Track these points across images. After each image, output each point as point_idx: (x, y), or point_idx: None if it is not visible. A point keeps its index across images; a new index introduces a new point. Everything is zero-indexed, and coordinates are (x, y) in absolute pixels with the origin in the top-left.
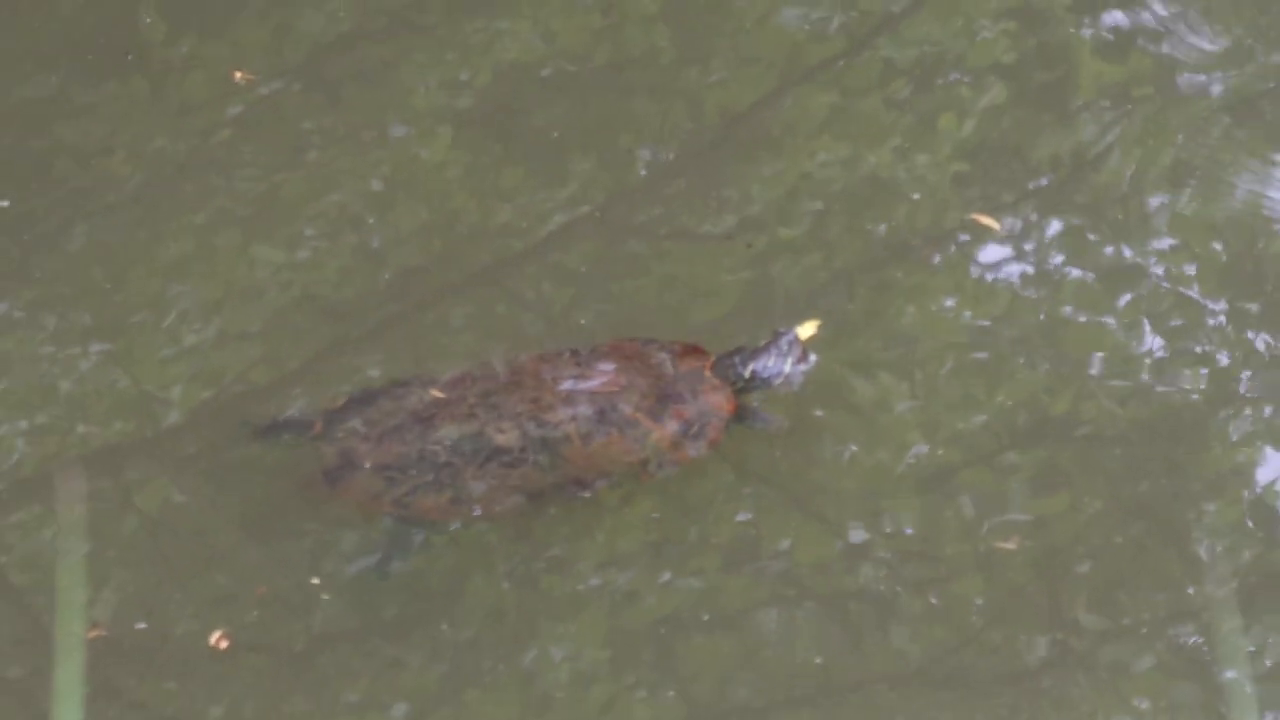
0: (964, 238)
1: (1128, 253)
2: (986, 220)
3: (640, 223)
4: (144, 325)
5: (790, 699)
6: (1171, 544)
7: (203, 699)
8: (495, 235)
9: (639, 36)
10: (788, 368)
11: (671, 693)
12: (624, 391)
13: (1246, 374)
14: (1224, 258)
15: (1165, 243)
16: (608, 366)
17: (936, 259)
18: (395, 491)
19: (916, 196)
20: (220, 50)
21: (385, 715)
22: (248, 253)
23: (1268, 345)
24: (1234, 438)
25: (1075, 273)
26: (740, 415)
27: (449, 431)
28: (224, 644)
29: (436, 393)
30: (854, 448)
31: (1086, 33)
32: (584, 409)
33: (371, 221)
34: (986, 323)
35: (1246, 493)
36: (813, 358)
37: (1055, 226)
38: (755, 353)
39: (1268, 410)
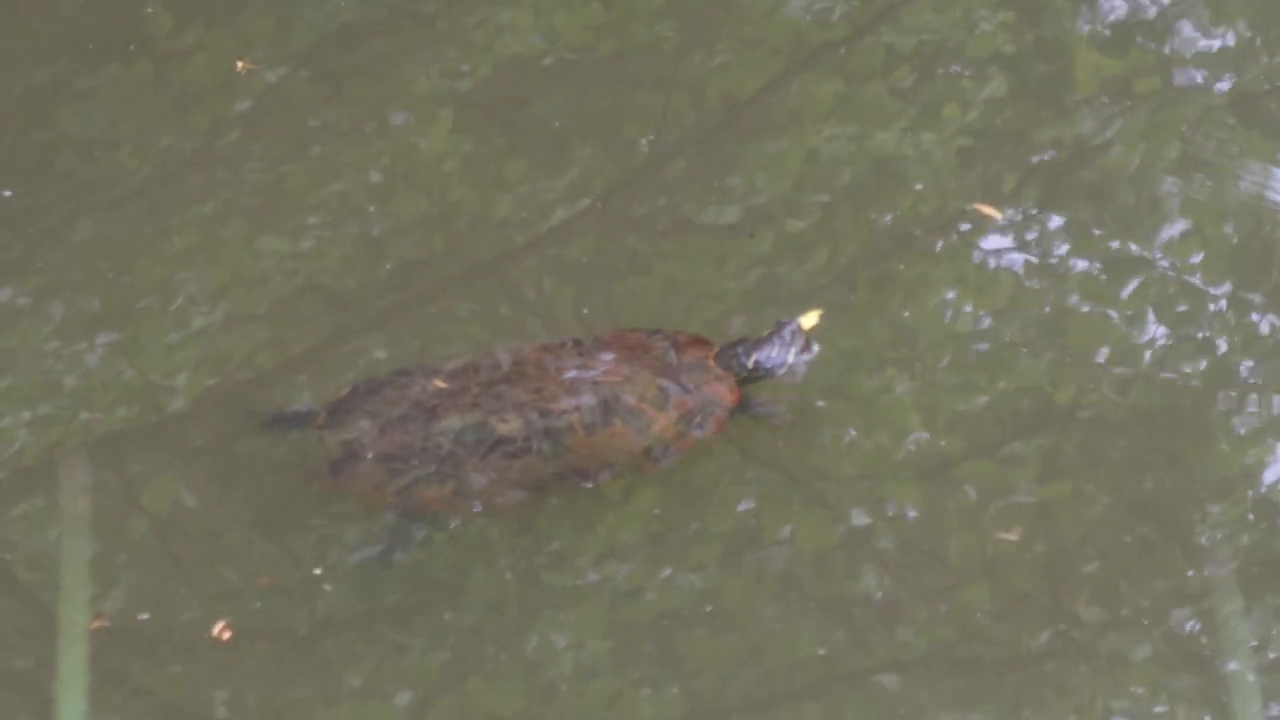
0: (966, 227)
1: (1132, 242)
2: (989, 210)
3: (642, 214)
4: (150, 311)
5: (793, 691)
6: (1175, 539)
7: (206, 685)
8: (496, 228)
9: (642, 28)
10: (791, 358)
11: (675, 689)
12: (628, 381)
13: (1249, 362)
14: (1229, 245)
15: (1170, 231)
16: (611, 357)
17: (939, 246)
18: (399, 482)
19: (920, 186)
20: (224, 41)
21: (389, 703)
22: (253, 244)
23: (1273, 329)
24: (1239, 430)
25: (1080, 263)
26: (743, 405)
27: (452, 421)
28: (226, 634)
29: (440, 383)
30: (856, 436)
31: (1085, 26)
32: (588, 399)
33: (373, 210)
34: (990, 313)
35: (1250, 491)
36: (816, 348)
37: (1058, 216)
38: (758, 343)
39: (1273, 399)
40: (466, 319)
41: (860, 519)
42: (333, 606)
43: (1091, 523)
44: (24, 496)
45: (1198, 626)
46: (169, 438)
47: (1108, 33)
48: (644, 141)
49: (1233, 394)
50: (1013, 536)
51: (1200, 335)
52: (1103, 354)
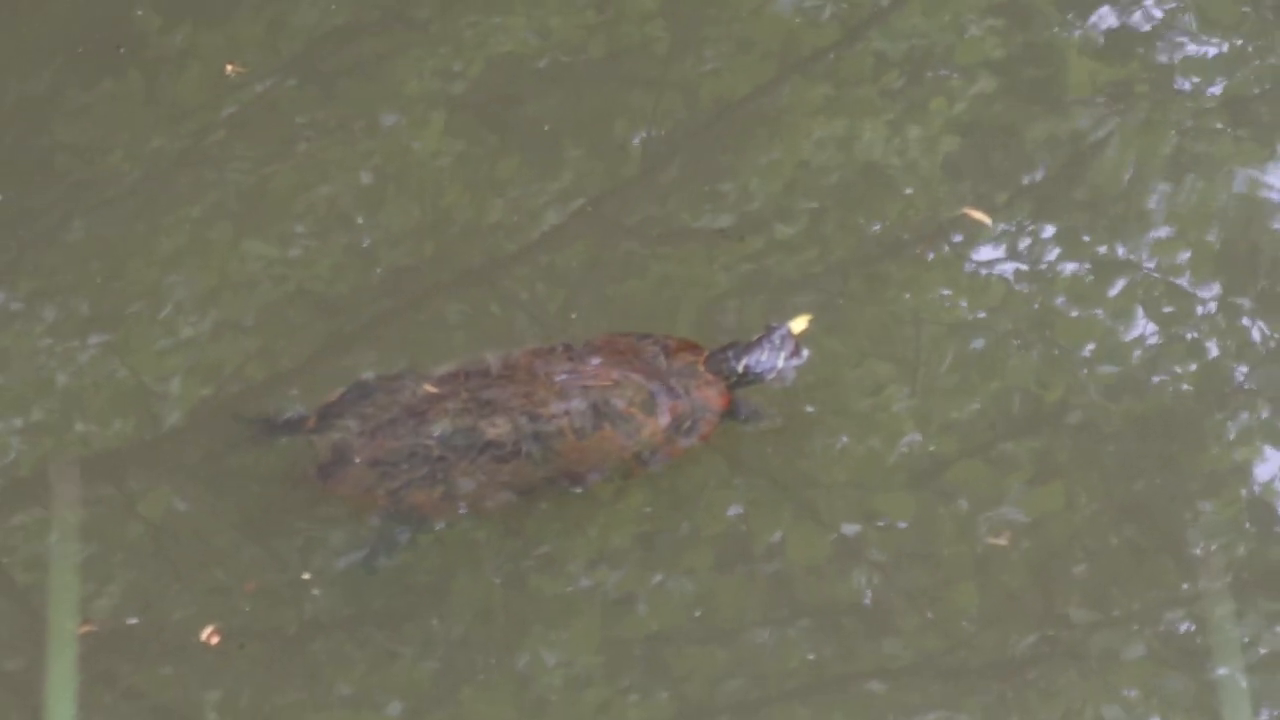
0: (957, 236)
1: (1120, 245)
2: (978, 215)
3: (634, 219)
4: (141, 316)
5: (782, 694)
6: (1166, 542)
7: (197, 688)
8: (488, 231)
9: (633, 29)
10: (780, 362)
11: (665, 694)
12: (617, 386)
13: (1242, 367)
14: (1218, 248)
15: (1159, 235)
16: (601, 361)
17: (930, 256)
18: (388, 485)
19: (910, 191)
20: (215, 44)
21: (380, 713)
22: (239, 247)
23: (1263, 336)
24: (1230, 434)
25: (1069, 265)
26: (733, 410)
27: (442, 426)
28: (215, 639)
29: (430, 387)
30: (846, 441)
31: (1075, 32)
32: (577, 403)
33: (361, 221)
34: (980, 315)
35: (1243, 492)
36: (805, 352)
37: (1047, 221)
38: (748, 347)
39: (1262, 405)
40: (456, 325)
41: (850, 528)
42: (320, 610)
43: (1082, 526)
44: (21, 506)
45: (1189, 629)
46: (165, 453)
47: (1100, 39)
48: (636, 144)
49: (1224, 398)
50: (1003, 541)
51: (1190, 337)
52: (1090, 352)
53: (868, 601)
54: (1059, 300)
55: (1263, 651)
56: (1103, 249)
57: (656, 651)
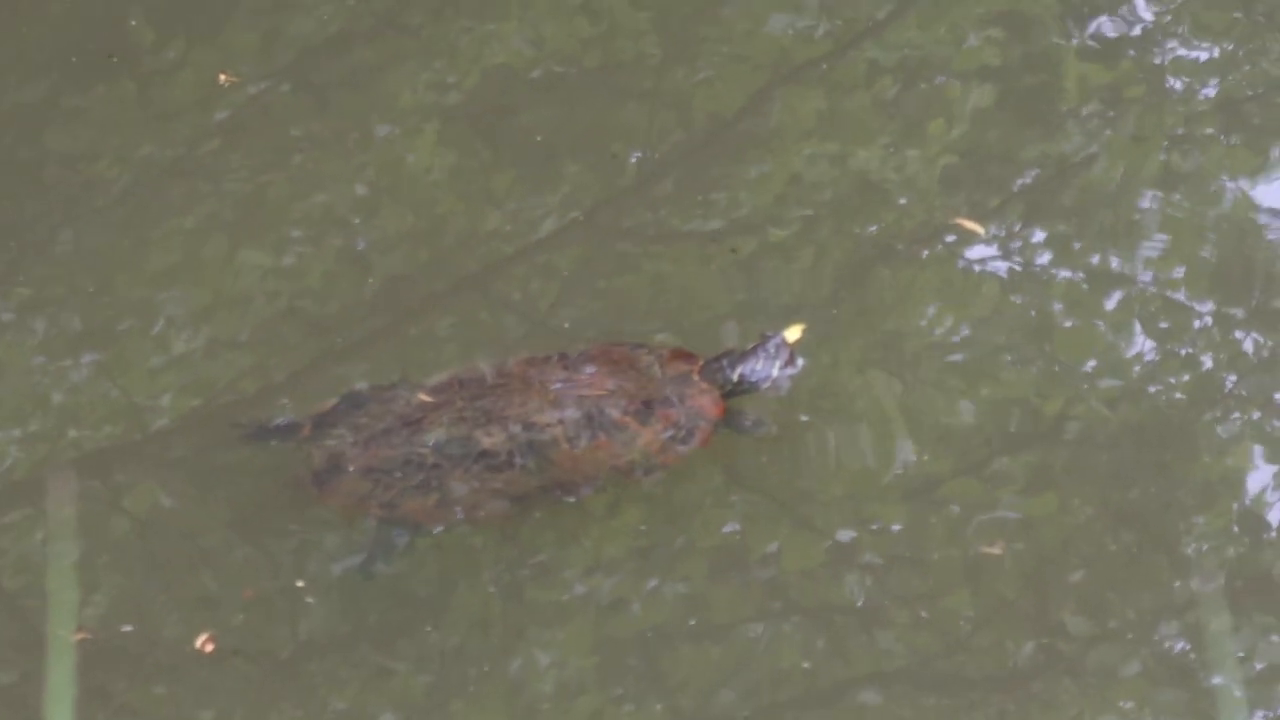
0: (950, 239)
1: (1115, 257)
2: (971, 224)
3: (628, 228)
4: (132, 333)
5: (776, 704)
6: (1161, 551)
7: (191, 705)
8: (483, 241)
9: (627, 42)
10: (775, 371)
11: (659, 705)
12: (612, 395)
13: (1234, 377)
14: (1212, 261)
15: (1153, 246)
16: (595, 370)
17: (925, 256)
18: (382, 494)
19: (904, 201)
20: (208, 54)
21: None
22: (234, 260)
23: (1256, 347)
24: (1224, 444)
25: (1063, 274)
26: (728, 419)
27: (436, 435)
28: (209, 647)
29: (424, 396)
30: (841, 451)
31: (1073, 40)
32: (571, 412)
33: (356, 232)
34: (973, 326)
35: (1235, 504)
36: (800, 361)
37: (1041, 230)
38: (743, 356)
39: (1256, 414)
40: (446, 338)
41: (846, 538)
42: (315, 625)
43: (1076, 534)
44: (12, 508)
45: (1185, 641)
46: (153, 451)
47: (1095, 44)
48: (631, 157)
49: (1218, 408)
50: (996, 550)
51: (1184, 351)
52: (1088, 366)
53: (861, 608)
54: (1055, 310)
55: (1258, 667)
56: (1096, 259)
57: (650, 656)
